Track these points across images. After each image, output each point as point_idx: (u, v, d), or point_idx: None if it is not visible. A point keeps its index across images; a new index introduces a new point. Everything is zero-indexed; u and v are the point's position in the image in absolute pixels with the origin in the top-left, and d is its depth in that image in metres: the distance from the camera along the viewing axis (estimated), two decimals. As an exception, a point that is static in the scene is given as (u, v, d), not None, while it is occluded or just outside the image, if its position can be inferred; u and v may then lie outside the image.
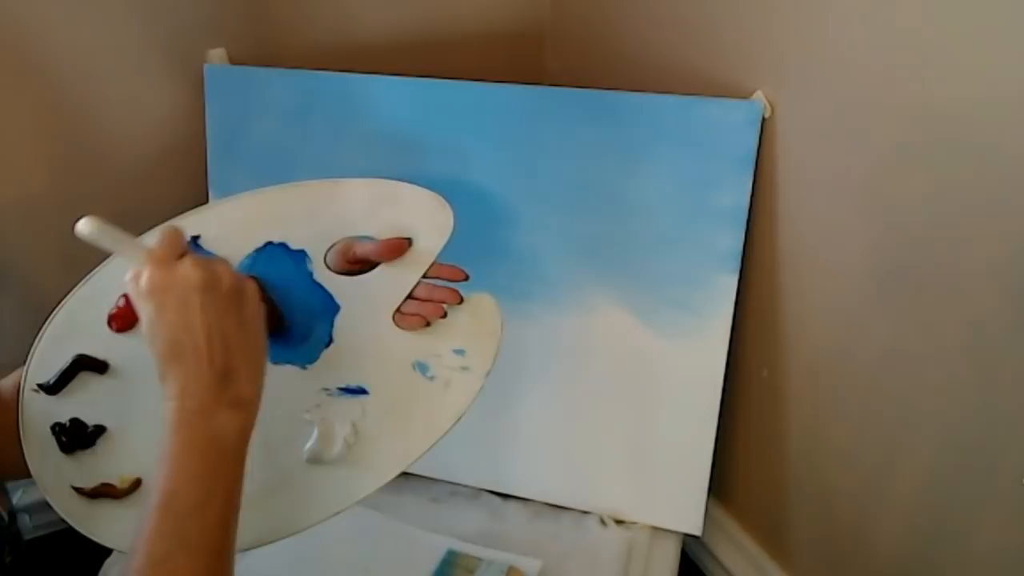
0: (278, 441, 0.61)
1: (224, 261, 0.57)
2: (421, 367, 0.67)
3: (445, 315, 0.67)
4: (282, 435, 0.63)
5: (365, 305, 0.66)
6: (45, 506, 0.98)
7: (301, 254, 0.66)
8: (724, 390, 0.87)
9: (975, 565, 0.70)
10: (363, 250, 0.65)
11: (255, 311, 0.57)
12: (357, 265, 0.66)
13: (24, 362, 0.64)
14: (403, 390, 0.66)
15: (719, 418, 0.87)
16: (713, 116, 0.80)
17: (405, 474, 0.97)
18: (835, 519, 0.84)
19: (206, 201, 0.94)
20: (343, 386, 0.66)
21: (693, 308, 0.85)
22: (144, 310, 0.54)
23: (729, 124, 0.80)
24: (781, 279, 0.83)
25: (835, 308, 0.77)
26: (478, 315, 0.68)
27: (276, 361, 0.66)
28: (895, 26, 0.64)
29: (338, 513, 0.64)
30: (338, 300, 0.66)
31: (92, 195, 0.95)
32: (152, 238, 0.57)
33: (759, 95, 0.78)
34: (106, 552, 0.87)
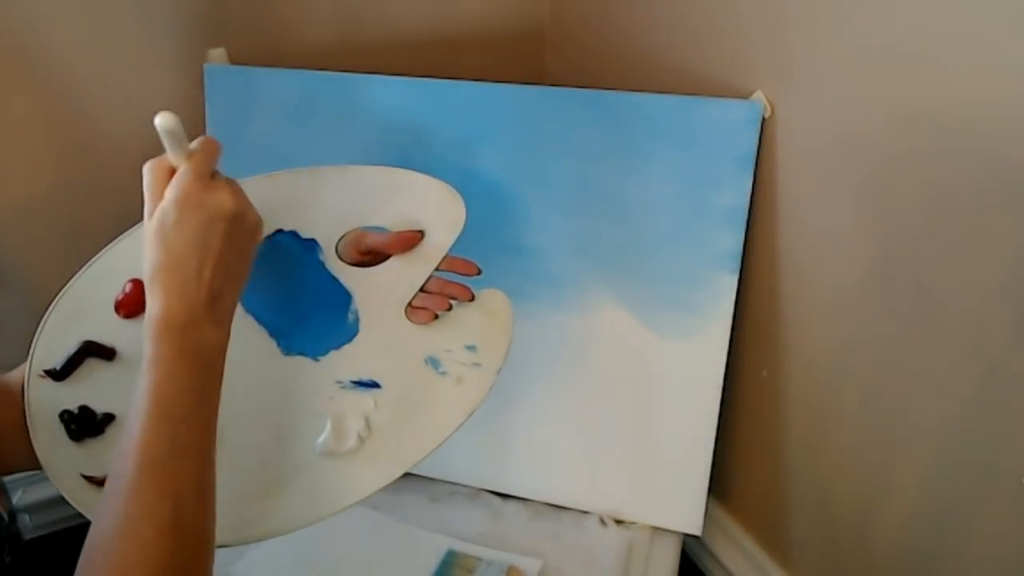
0: (291, 433, 0.61)
1: (241, 188, 0.58)
2: (433, 362, 0.67)
3: (451, 308, 0.67)
4: (295, 427, 0.63)
5: (376, 297, 0.66)
6: (45, 506, 0.98)
7: (311, 243, 0.66)
8: (724, 390, 0.87)
9: (975, 565, 0.70)
10: (375, 241, 0.65)
11: (256, 245, 0.59)
12: (368, 256, 0.66)
13: (27, 356, 0.63)
14: (415, 385, 0.67)
15: (719, 418, 0.87)
16: (713, 116, 0.80)
17: (405, 474, 0.98)
18: (835, 519, 0.84)
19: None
20: (356, 379, 0.66)
21: (693, 308, 0.85)
22: (166, 212, 0.54)
23: (729, 124, 0.80)
24: (781, 279, 0.83)
25: (835, 308, 0.77)
26: (490, 312, 0.68)
27: (288, 352, 0.66)
28: (895, 26, 0.64)
29: (350, 507, 0.65)
30: (350, 291, 0.66)
31: (92, 194, 0.95)
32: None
33: (759, 95, 0.78)
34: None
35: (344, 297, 0.66)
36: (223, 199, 0.54)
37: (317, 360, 0.66)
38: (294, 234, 0.66)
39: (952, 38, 0.60)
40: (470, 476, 0.96)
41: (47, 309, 0.63)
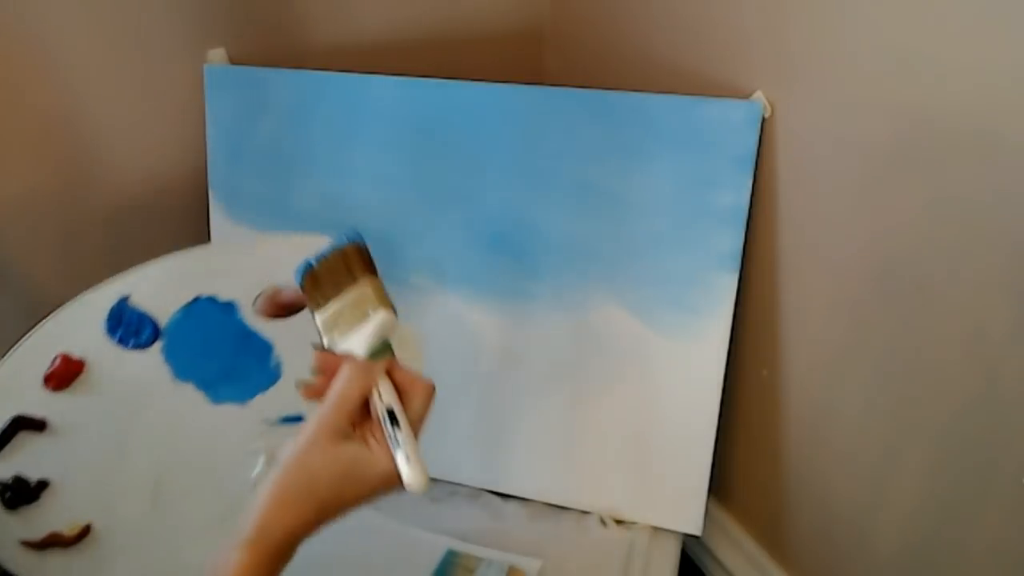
0: (226, 472, 0.66)
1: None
2: None
3: None
4: (229, 466, 0.67)
5: (295, 344, 0.71)
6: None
7: (230, 305, 0.73)
8: (724, 390, 0.87)
9: (974, 565, 0.70)
10: (289, 296, 0.72)
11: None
12: (284, 310, 0.73)
13: None
14: None
15: (719, 418, 0.87)
16: (713, 116, 0.80)
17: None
18: (835, 519, 0.84)
19: (206, 200, 0.95)
20: (283, 416, 0.72)
21: (693, 308, 0.85)
22: (327, 461, 0.53)
23: (729, 124, 0.80)
24: (781, 279, 0.83)
25: (835, 308, 0.77)
26: (402, 345, 0.70)
27: (216, 401, 0.72)
28: (895, 26, 0.64)
29: None
30: (270, 341, 0.73)
31: (92, 194, 0.95)
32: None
33: (759, 95, 0.78)
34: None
35: (265, 347, 0.73)
36: (384, 476, 0.53)
37: (244, 404, 0.72)
38: (212, 299, 0.73)
39: (952, 38, 0.60)
40: (470, 476, 0.96)
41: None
